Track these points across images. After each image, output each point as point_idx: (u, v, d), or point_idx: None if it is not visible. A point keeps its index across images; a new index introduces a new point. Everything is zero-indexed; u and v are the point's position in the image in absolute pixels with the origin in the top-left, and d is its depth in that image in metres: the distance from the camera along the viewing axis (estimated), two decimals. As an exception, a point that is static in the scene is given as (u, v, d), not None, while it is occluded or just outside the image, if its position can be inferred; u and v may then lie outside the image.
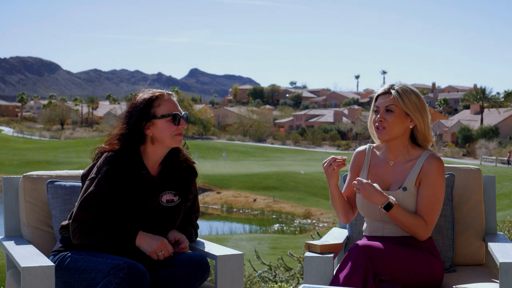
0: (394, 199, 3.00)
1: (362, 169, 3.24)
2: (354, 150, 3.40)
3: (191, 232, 3.22)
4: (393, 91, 3.07)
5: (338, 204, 3.20)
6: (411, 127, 3.11)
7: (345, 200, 3.22)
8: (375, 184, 3.00)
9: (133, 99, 3.07)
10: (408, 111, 3.06)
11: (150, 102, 3.00)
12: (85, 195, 2.90)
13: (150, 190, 3.02)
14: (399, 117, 3.06)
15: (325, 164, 3.09)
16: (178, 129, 3.01)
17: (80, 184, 3.20)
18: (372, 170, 3.20)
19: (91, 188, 2.91)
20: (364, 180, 2.99)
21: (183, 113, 3.06)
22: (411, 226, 3.01)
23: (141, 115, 2.99)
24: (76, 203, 2.96)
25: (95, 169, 2.98)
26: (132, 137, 2.99)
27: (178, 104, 3.07)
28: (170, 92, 3.08)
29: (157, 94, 3.03)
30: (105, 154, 2.99)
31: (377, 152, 3.23)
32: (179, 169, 3.12)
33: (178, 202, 3.09)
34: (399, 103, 3.05)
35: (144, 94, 3.05)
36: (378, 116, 3.09)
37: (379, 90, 3.14)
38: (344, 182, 3.57)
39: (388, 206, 2.97)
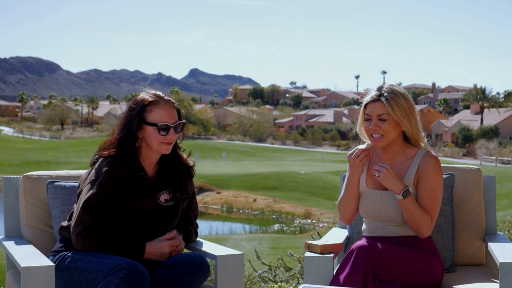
0: (410, 188, 3.02)
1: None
2: (359, 145, 3.39)
3: (191, 232, 3.23)
4: (383, 99, 3.05)
5: (352, 200, 3.16)
6: (404, 129, 3.12)
7: (357, 198, 3.19)
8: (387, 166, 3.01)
9: (133, 99, 3.08)
10: (398, 120, 3.06)
11: (144, 106, 3.00)
12: (87, 197, 2.90)
13: (148, 191, 3.02)
14: (393, 123, 3.07)
15: (352, 156, 3.10)
16: (165, 138, 2.99)
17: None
18: (370, 171, 3.20)
19: (93, 190, 2.91)
20: (386, 165, 3.01)
21: (175, 123, 3.01)
22: (418, 220, 3.00)
23: (134, 118, 3.00)
24: (77, 205, 2.96)
25: (93, 172, 2.98)
26: (127, 139, 2.99)
27: (174, 112, 3.02)
28: (167, 98, 3.03)
29: (151, 99, 3.01)
30: (102, 158, 3.00)
31: (375, 153, 3.23)
32: (176, 168, 3.12)
33: (176, 201, 3.10)
34: (390, 112, 3.04)
35: (143, 95, 3.05)
36: (372, 124, 3.08)
37: (367, 97, 3.12)
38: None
39: (406, 193, 2.98)
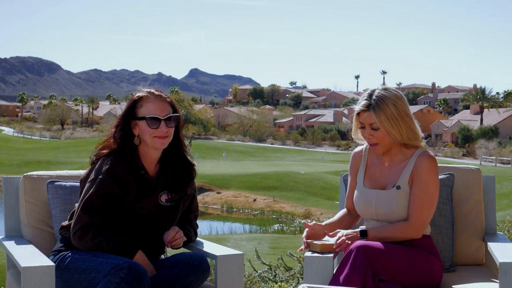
0: (364, 227, 3.03)
1: (359, 170, 3.25)
2: (356, 148, 3.41)
3: (190, 231, 3.22)
4: (371, 110, 3.03)
5: (346, 223, 3.27)
6: (392, 137, 3.10)
7: (347, 219, 3.28)
8: (339, 232, 3.02)
9: (130, 98, 3.10)
10: (385, 130, 3.04)
11: (135, 102, 3.02)
12: (87, 196, 2.91)
13: (149, 190, 3.02)
14: (385, 131, 3.06)
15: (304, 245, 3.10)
16: (157, 132, 2.98)
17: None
18: (368, 171, 3.22)
19: (93, 189, 2.91)
20: (333, 240, 3.00)
21: (167, 115, 3.01)
22: (397, 235, 3.02)
23: (127, 115, 3.01)
24: (77, 205, 2.96)
25: (94, 171, 2.98)
26: (123, 137, 3.00)
27: (165, 106, 3.02)
28: (157, 93, 3.04)
29: (142, 95, 3.03)
30: (103, 157, 3.01)
31: (373, 153, 3.24)
32: (177, 168, 3.12)
33: (176, 201, 3.10)
34: (378, 122, 3.03)
35: (136, 92, 3.08)
36: (366, 133, 3.08)
37: (357, 107, 3.11)
38: (345, 182, 3.57)
39: (362, 234, 2.99)
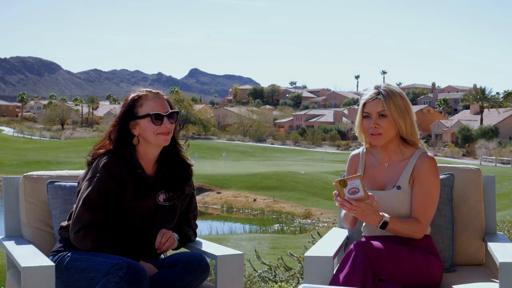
0: (388, 216, 2.99)
1: (357, 172, 3.25)
2: (354, 150, 3.41)
3: (190, 232, 3.22)
4: (381, 97, 3.08)
5: (351, 218, 3.20)
6: (397, 128, 3.12)
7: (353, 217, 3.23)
8: (368, 202, 2.92)
9: (124, 99, 3.10)
10: (393, 119, 3.06)
11: (134, 102, 3.03)
12: (86, 194, 2.90)
13: (147, 189, 3.02)
14: (392, 121, 3.08)
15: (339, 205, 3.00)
16: (160, 128, 2.99)
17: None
18: (367, 172, 3.22)
19: (91, 187, 2.91)
20: (367, 201, 2.92)
21: (169, 111, 3.03)
22: (408, 232, 3.03)
23: (126, 115, 3.01)
24: (76, 203, 2.96)
25: (91, 170, 2.99)
26: (121, 137, 3.00)
27: (165, 103, 3.04)
28: (156, 91, 3.06)
29: (140, 94, 3.04)
30: (99, 156, 3.01)
31: (371, 154, 3.24)
32: (175, 168, 3.12)
33: (175, 200, 3.10)
34: (388, 109, 3.06)
35: (132, 93, 3.07)
36: (372, 122, 3.09)
37: (365, 96, 3.14)
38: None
39: (383, 225, 2.98)
